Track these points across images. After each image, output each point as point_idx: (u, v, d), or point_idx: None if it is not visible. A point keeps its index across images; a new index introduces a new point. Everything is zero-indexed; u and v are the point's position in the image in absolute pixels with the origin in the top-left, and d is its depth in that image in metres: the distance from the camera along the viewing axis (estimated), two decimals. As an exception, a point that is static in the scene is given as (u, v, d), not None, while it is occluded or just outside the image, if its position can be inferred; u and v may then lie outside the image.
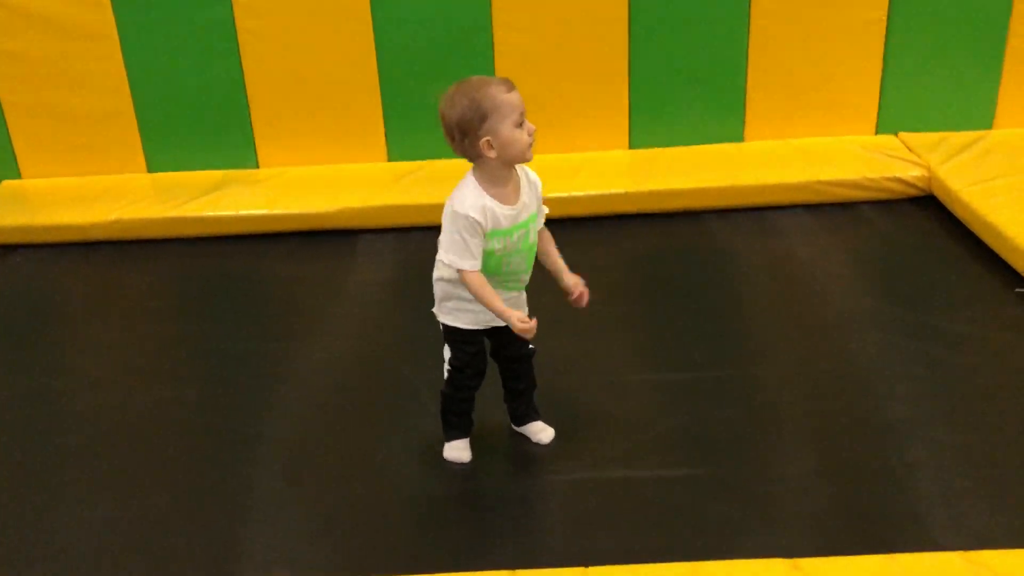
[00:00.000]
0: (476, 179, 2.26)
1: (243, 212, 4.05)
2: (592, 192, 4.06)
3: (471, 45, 4.19)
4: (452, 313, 2.40)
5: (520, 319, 2.26)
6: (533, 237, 2.35)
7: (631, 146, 4.42)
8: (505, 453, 2.62)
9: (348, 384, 2.98)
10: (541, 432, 2.62)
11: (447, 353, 2.49)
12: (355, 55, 4.22)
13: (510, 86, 2.22)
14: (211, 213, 4.06)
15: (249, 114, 4.33)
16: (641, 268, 3.74)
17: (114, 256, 4.01)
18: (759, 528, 2.26)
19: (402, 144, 4.42)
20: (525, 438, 2.64)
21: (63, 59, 4.21)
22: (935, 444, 2.51)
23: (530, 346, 2.53)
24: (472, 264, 2.24)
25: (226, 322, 3.42)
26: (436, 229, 3.98)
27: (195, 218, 4.06)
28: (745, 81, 4.29)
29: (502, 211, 2.24)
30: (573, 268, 3.61)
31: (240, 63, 4.23)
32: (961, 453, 2.47)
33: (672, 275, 3.62)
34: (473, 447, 2.59)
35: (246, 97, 4.30)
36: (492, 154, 2.20)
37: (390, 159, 4.45)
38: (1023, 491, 2.33)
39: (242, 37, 4.18)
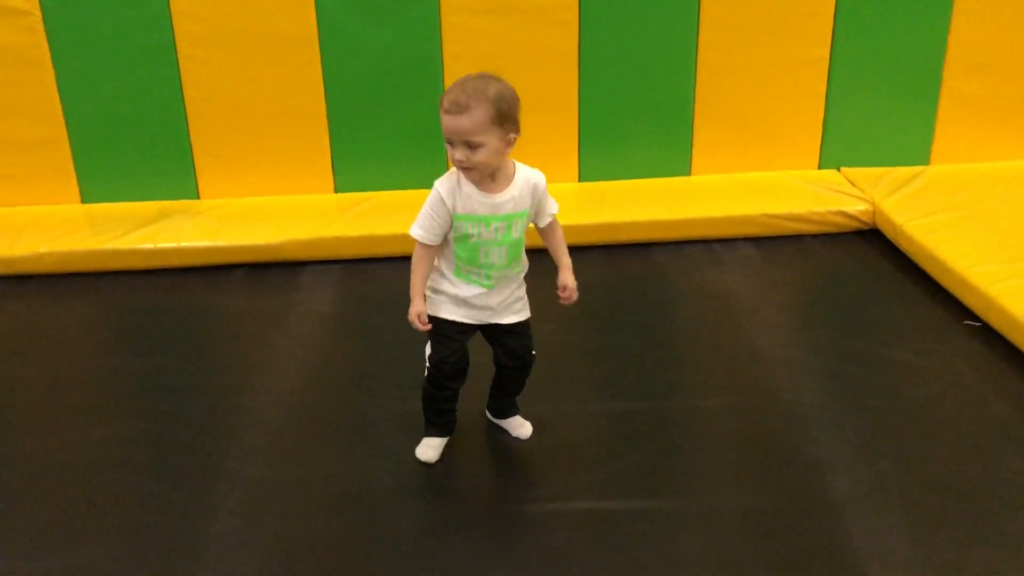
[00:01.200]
0: None
1: (184, 244, 3.91)
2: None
3: (420, 76, 4.15)
4: (435, 303, 2.42)
5: (417, 314, 2.33)
6: (517, 234, 2.35)
7: (581, 179, 4.43)
8: (473, 485, 2.55)
9: (302, 417, 2.88)
10: (520, 427, 2.68)
11: (428, 350, 2.47)
12: (302, 84, 4.15)
13: (453, 106, 2.18)
14: (150, 245, 3.91)
15: (190, 143, 4.21)
16: (592, 298, 3.70)
17: (44, 290, 3.83)
18: (736, 564, 2.23)
19: (349, 175, 4.34)
20: (494, 469, 2.60)
21: (-8, 84, 4.05)
22: (889, 476, 2.51)
23: (532, 352, 2.55)
24: (420, 234, 2.32)
25: (169, 356, 3.27)
26: (384, 260, 3.97)
27: (132, 250, 3.90)
28: (692, 116, 4.34)
29: (479, 197, 2.28)
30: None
31: (181, 90, 4.11)
32: (916, 484, 2.48)
33: (623, 306, 3.61)
34: (438, 482, 2.52)
35: (187, 126, 4.18)
36: None
37: (337, 190, 4.37)
38: (986, 521, 2.34)
39: (183, 64, 4.07)
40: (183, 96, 4.12)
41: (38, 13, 3.93)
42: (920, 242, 3.65)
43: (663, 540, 2.31)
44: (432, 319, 2.40)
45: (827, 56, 4.27)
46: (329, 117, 4.22)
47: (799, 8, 4.19)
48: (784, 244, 4.07)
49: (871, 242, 4.03)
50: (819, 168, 4.49)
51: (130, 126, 4.16)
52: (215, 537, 2.35)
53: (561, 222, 3.96)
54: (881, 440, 2.68)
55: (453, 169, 2.31)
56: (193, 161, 4.25)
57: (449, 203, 2.28)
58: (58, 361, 3.29)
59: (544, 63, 4.20)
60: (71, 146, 4.18)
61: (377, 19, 4.06)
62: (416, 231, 2.33)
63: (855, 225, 4.12)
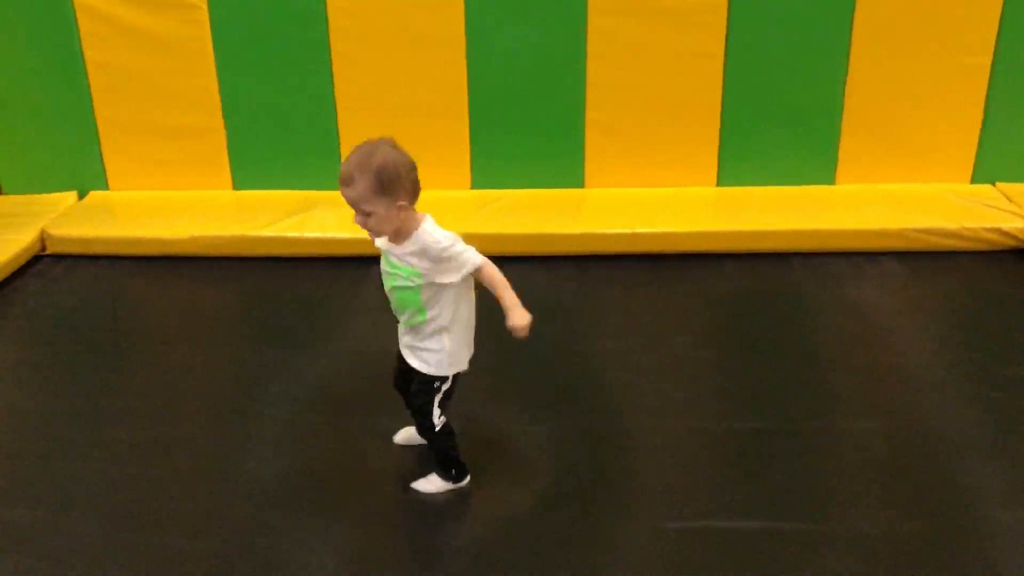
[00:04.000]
0: None
1: (328, 235, 4.04)
2: (678, 229, 4.00)
3: (563, 76, 4.17)
4: None
5: None
6: (400, 283, 2.34)
7: (719, 183, 4.36)
8: (611, 501, 2.54)
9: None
10: (422, 480, 2.60)
11: None
12: (447, 81, 4.22)
13: (341, 177, 2.27)
14: (296, 234, 4.05)
15: (338, 136, 4.34)
16: (728, 310, 3.66)
17: (196, 272, 4.01)
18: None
19: (486, 172, 4.40)
20: (634, 484, 2.59)
21: (158, 74, 4.27)
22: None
23: (425, 418, 2.48)
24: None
25: (313, 346, 3.38)
26: (513, 259, 3.99)
27: (279, 238, 4.05)
28: (840, 123, 4.22)
29: (384, 240, 2.37)
30: (655, 304, 3.61)
31: (332, 85, 4.24)
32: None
33: (760, 319, 3.54)
34: (577, 495, 2.55)
35: (335, 119, 4.31)
36: None
37: (473, 187, 4.43)
38: None
39: (335, 60, 4.20)
40: (334, 90, 4.25)
41: (205, 7, 4.12)
42: (1085, 265, 3.45)
43: (806, 562, 2.27)
44: None
45: (988, 64, 4.07)
46: (471, 114, 4.28)
47: (961, 13, 4.01)
48: (932, 260, 3.90)
49: (1028, 262, 3.84)
50: (973, 182, 4.29)
51: (282, 117, 4.32)
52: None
53: (696, 228, 4.01)
54: (1037, 471, 2.55)
55: None
56: (340, 153, 4.38)
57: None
58: (206, 344, 3.44)
59: (688, 66, 4.15)
60: (227, 135, 4.36)
61: (523, 19, 4.09)
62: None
63: (1011, 243, 3.91)
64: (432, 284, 2.33)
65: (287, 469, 2.68)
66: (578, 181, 4.38)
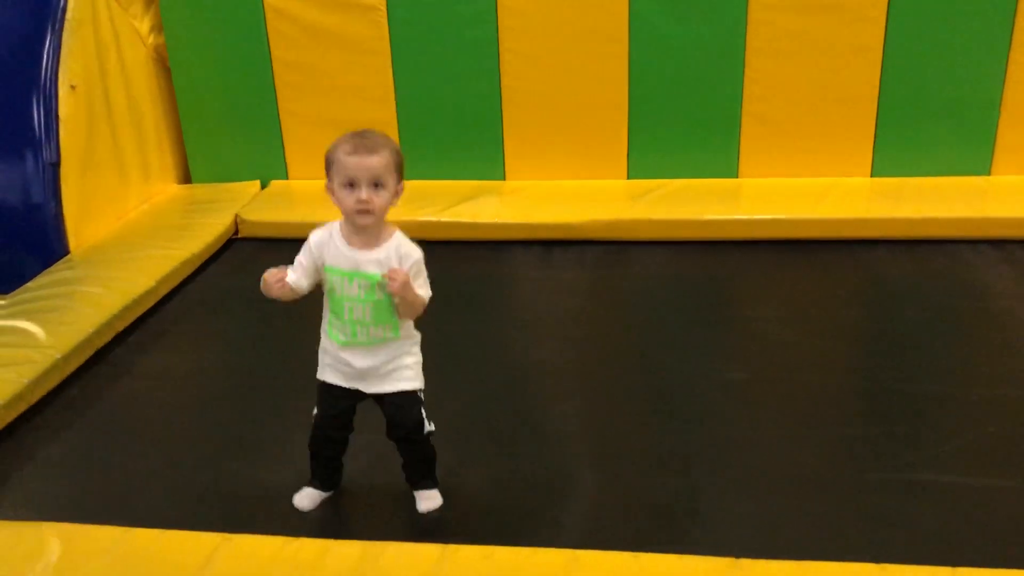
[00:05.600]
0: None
1: (499, 221, 4.30)
2: (834, 216, 4.13)
3: (723, 69, 4.34)
4: (320, 366, 2.43)
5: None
6: (382, 295, 2.27)
7: (873, 174, 4.45)
8: (812, 449, 2.66)
9: (600, 388, 3.13)
10: (423, 500, 2.49)
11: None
12: (608, 76, 4.43)
13: (360, 147, 2.21)
14: (467, 220, 4.32)
15: (502, 130, 4.60)
16: (885, 289, 3.80)
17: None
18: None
19: (642, 164, 4.59)
20: (832, 437, 2.72)
21: (338, 71, 4.60)
22: None
23: (421, 426, 2.40)
24: (290, 276, 2.32)
25: (492, 322, 3.64)
26: (670, 243, 4.17)
27: (448, 223, 4.31)
28: (998, 115, 4.26)
29: (345, 250, 2.28)
30: (813, 283, 3.77)
31: (499, 80, 4.50)
32: None
33: (916, 298, 3.64)
34: (775, 443, 2.69)
35: (501, 113, 4.57)
36: (332, 199, 2.28)
37: (629, 177, 4.62)
38: None
39: (503, 56, 4.46)
40: (500, 86, 4.51)
41: (384, 9, 4.44)
42: None
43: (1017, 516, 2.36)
44: (319, 382, 2.44)
45: None
46: (630, 107, 4.47)
47: None
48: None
49: None
50: None
51: (451, 112, 4.60)
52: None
53: (851, 215, 4.12)
54: None
55: (328, 223, 2.33)
56: (503, 146, 4.63)
57: (316, 253, 2.31)
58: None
59: (846, 58, 4.26)
60: (399, 129, 4.65)
61: (687, 14, 4.28)
62: (288, 275, 2.34)
63: None
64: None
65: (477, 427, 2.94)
66: (732, 172, 4.53)
